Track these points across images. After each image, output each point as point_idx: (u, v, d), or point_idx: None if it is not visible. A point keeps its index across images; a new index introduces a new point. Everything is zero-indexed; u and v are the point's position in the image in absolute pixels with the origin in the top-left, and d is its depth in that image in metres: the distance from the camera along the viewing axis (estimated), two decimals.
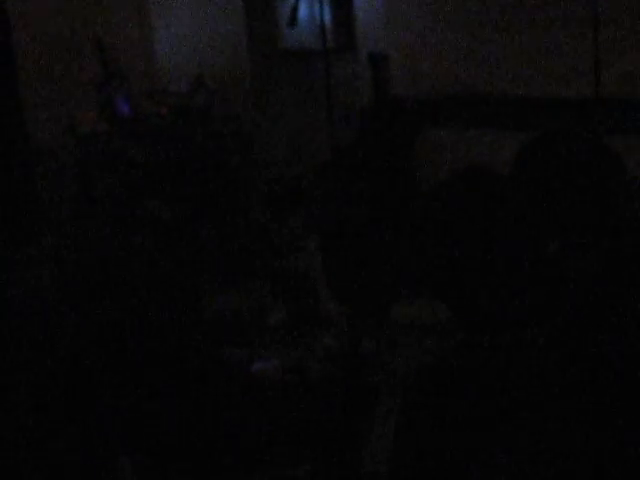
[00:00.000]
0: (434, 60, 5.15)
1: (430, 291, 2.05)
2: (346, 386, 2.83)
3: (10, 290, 2.72)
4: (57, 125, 5.27)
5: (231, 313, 3.38)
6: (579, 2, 4.39)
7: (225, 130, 5.45)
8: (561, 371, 1.91)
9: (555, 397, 1.91)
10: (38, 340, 2.50)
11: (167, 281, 2.54)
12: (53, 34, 5.49)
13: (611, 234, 2.09)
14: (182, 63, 5.89)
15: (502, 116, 4.85)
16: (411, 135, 3.86)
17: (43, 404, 2.43)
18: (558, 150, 2.14)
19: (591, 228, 2.08)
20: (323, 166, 4.93)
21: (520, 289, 1.89)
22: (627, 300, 2.01)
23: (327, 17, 5.32)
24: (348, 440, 2.63)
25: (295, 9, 5.13)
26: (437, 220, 1.89)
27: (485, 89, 4.94)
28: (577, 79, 4.45)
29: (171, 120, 5.26)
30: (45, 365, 2.45)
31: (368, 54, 5.51)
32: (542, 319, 1.91)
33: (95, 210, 4.20)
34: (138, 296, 2.46)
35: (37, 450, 2.41)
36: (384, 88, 5.45)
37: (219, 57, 5.80)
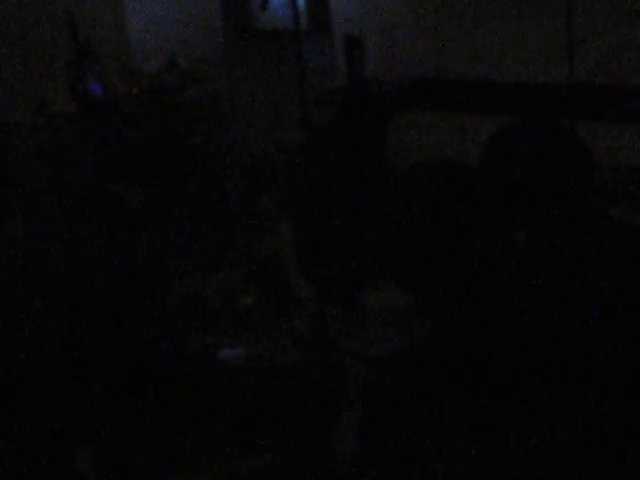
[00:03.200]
0: (409, 43, 5.13)
1: (396, 278, 2.03)
2: (314, 371, 2.82)
3: None
4: (27, 104, 5.20)
5: (200, 297, 3.35)
6: None
7: (198, 111, 5.40)
8: (525, 358, 1.91)
9: (522, 386, 1.91)
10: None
11: (132, 265, 2.51)
12: (25, 10, 5.41)
13: (577, 223, 2.09)
14: (156, 43, 5.82)
15: (477, 100, 4.84)
16: (385, 118, 3.84)
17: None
18: (525, 141, 2.14)
19: (557, 218, 2.08)
20: (296, 148, 4.90)
21: (486, 277, 1.88)
22: (592, 286, 2.01)
23: None
24: (316, 427, 2.62)
25: None
26: (407, 208, 1.88)
27: (460, 73, 4.92)
28: (551, 64, 4.45)
29: (143, 101, 5.20)
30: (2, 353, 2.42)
31: (343, 36, 5.47)
32: (508, 306, 1.91)
33: (64, 192, 4.15)
34: (101, 281, 2.42)
35: None
36: (359, 71, 5.42)
37: (193, 37, 5.75)
